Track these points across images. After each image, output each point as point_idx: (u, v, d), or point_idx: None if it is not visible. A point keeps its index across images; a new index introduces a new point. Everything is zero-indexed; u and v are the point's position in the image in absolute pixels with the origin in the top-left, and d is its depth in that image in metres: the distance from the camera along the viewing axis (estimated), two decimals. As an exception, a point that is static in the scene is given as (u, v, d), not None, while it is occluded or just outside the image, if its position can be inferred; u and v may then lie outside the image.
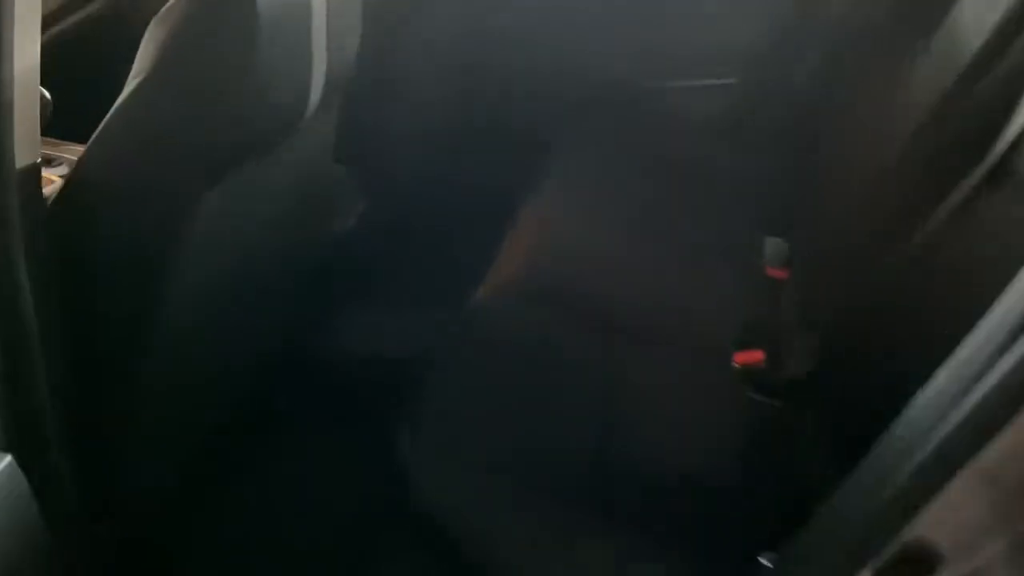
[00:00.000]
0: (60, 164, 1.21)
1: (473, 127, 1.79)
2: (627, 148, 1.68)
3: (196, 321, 1.02)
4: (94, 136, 0.88)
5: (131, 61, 0.88)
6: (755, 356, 1.17)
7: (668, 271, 1.35)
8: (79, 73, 1.28)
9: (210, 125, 0.86)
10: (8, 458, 0.76)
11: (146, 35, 0.86)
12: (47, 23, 1.53)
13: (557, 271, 1.33)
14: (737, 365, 1.17)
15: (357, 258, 1.53)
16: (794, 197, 1.50)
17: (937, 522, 0.58)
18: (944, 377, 0.63)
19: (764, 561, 0.81)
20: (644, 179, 1.58)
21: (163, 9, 0.85)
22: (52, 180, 1.10)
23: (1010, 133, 0.90)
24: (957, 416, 0.58)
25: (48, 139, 1.39)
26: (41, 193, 0.80)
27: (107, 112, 0.89)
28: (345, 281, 1.50)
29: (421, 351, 1.29)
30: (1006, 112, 0.92)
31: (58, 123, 1.17)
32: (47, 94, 0.92)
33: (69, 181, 0.90)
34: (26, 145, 0.74)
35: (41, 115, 0.77)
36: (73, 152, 1.20)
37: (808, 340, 1.18)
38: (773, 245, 1.41)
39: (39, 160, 0.77)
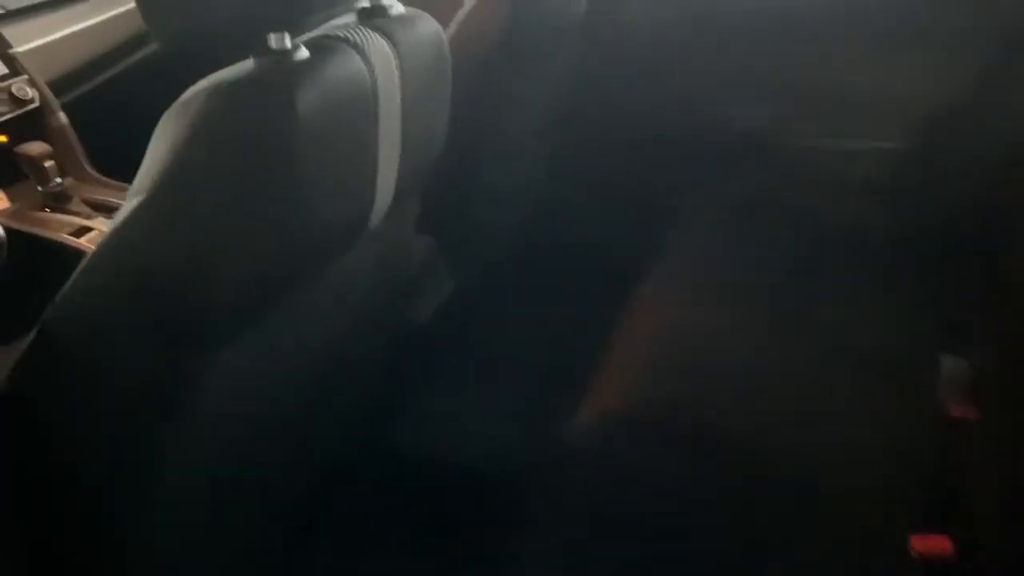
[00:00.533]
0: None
1: (582, 190, 1.54)
2: (766, 221, 1.40)
3: (227, 453, 0.84)
4: (72, 278, 0.68)
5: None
6: (940, 544, 0.89)
7: (818, 398, 1.08)
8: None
9: (233, 264, 0.64)
10: None
11: (154, 136, 0.64)
12: (110, 60, 1.41)
13: (678, 390, 1.09)
14: (916, 554, 0.90)
15: (440, 349, 1.32)
16: (980, 297, 1.19)
17: None
18: None
19: None
20: (787, 263, 1.30)
21: (177, 102, 0.63)
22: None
23: None
24: None
25: (123, 184, 1.25)
26: None
27: None
28: (425, 376, 1.29)
29: (510, 467, 1.15)
30: None
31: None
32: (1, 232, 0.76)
33: (36, 338, 0.70)
34: None
35: None
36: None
37: (1016, 521, 0.89)
38: (953, 367, 1.12)
39: None
